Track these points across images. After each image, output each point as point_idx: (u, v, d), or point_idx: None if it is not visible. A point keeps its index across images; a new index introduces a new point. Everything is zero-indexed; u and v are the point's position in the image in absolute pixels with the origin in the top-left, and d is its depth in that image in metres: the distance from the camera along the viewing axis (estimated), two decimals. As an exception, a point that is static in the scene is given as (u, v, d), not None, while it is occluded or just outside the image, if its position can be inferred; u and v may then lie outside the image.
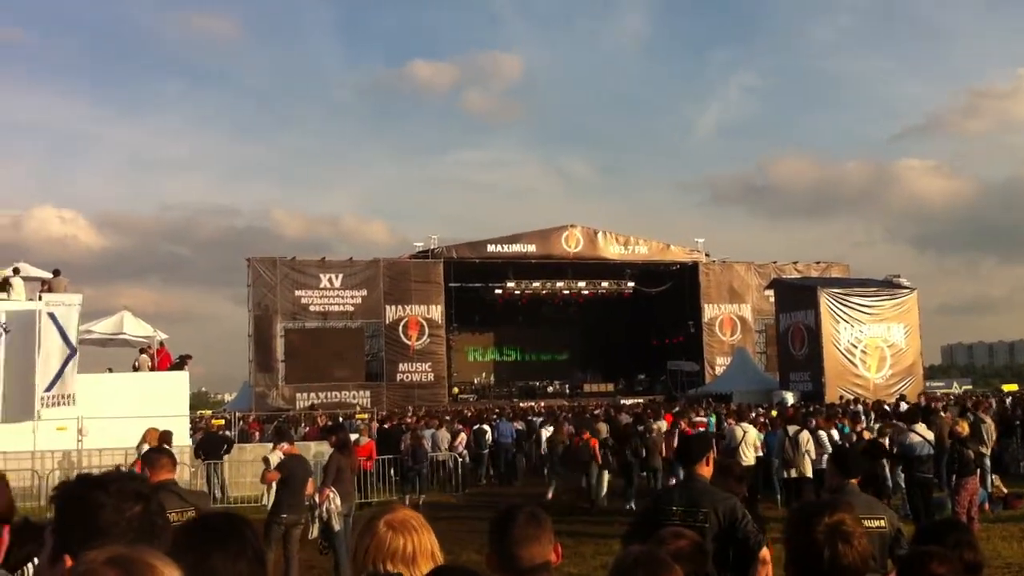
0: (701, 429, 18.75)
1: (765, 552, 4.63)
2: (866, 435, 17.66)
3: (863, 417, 20.84)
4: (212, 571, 1.97)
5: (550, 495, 18.69)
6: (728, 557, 4.95)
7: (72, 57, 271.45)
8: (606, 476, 17.89)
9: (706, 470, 5.43)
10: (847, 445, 15.12)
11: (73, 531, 1.91)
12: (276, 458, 11.98)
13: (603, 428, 19.94)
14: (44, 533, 2.00)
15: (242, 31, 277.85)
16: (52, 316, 19.58)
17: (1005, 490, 15.85)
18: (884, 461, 15.09)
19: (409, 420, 27.43)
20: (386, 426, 23.71)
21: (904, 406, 23.59)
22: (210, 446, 19.31)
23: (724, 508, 5.04)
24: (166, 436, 12.31)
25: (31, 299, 20.84)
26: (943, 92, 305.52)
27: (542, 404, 38.86)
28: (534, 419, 27.14)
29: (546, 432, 23.78)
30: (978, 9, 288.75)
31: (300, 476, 10.33)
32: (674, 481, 14.62)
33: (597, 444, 17.97)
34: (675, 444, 16.26)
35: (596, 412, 28.65)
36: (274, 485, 10.66)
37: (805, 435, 15.07)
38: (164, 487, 5.61)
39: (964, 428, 13.98)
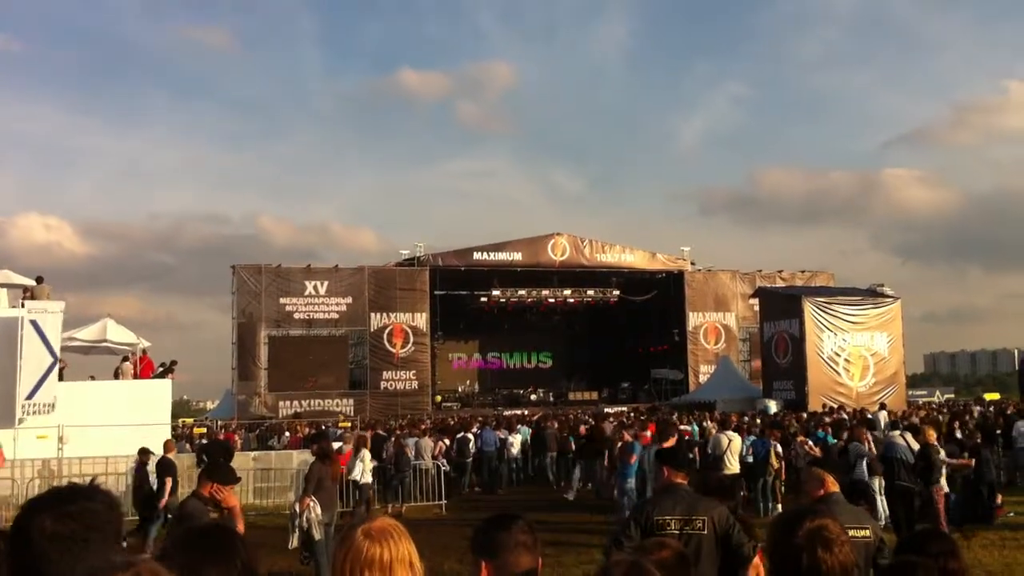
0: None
1: (757, 559, 4.66)
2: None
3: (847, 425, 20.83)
4: None
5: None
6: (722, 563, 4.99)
7: (60, 65, 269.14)
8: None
9: (684, 478, 5.50)
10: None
11: (10, 545, 2.04)
12: None
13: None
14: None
15: (231, 41, 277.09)
16: (34, 323, 19.47)
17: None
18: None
19: (395, 427, 27.25)
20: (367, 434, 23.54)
21: (884, 414, 23.69)
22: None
23: (718, 515, 5.10)
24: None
25: (13, 306, 20.69)
26: (929, 104, 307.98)
27: (526, 412, 38.69)
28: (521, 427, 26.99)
29: (513, 441, 23.70)
30: (965, 22, 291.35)
31: None
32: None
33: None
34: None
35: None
36: None
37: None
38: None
39: (931, 435, 14.00)
